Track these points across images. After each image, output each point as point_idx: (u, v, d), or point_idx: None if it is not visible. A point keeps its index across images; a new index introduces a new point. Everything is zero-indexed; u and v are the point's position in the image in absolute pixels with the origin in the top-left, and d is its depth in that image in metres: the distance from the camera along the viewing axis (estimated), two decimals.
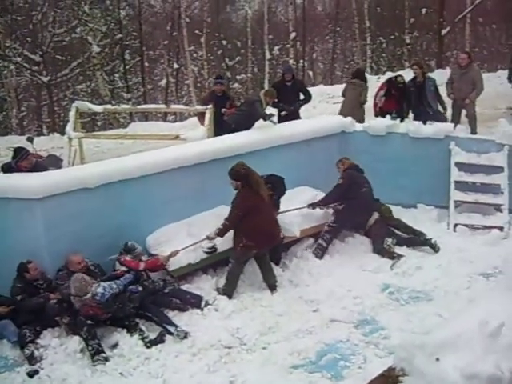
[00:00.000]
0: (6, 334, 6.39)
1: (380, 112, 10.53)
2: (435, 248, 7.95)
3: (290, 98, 10.33)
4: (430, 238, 8.06)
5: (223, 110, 10.24)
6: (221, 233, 7.11)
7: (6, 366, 6.10)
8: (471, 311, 4.06)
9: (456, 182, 8.72)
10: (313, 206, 8.05)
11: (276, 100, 10.09)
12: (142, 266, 6.80)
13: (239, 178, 7.06)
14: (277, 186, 7.59)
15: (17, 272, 6.50)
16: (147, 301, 6.64)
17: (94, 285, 6.33)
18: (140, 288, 6.58)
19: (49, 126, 24.95)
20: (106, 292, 6.26)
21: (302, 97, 10.48)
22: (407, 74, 11.21)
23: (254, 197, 7.01)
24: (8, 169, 8.15)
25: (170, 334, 6.33)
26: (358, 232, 8.30)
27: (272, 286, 7.22)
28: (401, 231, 8.31)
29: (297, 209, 7.94)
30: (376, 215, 8.16)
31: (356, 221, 8.18)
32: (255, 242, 7.00)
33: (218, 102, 10.41)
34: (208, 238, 7.17)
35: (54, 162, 9.83)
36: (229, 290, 7.06)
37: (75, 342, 6.15)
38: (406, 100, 10.39)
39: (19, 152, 8.19)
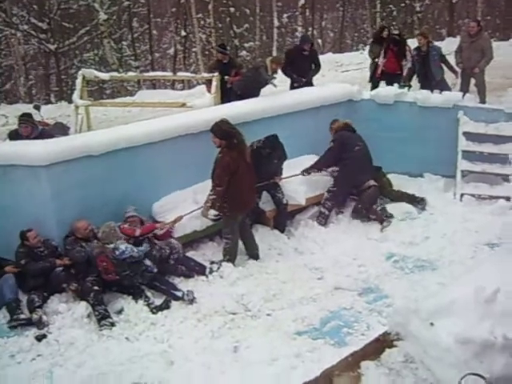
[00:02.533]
0: (5, 288, 6.38)
1: (382, 75, 10.57)
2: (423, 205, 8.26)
3: (305, 67, 10.27)
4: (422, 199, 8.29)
5: (226, 77, 10.21)
6: (214, 203, 6.90)
7: (15, 330, 6.17)
8: (468, 277, 4.08)
9: (463, 151, 8.67)
10: (306, 171, 7.98)
11: (289, 68, 10.07)
12: (137, 232, 6.79)
13: (225, 136, 6.80)
14: (275, 145, 7.49)
15: (20, 239, 6.57)
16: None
17: (119, 240, 6.43)
18: (155, 270, 6.59)
19: (57, 95, 24.90)
20: (127, 252, 6.36)
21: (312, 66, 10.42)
22: (415, 43, 11.07)
23: (238, 159, 6.80)
24: (15, 135, 8.20)
25: (178, 298, 6.39)
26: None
27: (256, 256, 7.21)
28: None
29: (291, 176, 7.86)
30: (372, 182, 8.13)
31: (354, 181, 8.10)
32: (230, 206, 6.87)
33: (224, 70, 10.37)
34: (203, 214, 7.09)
35: (60, 130, 9.83)
36: (232, 259, 7.05)
37: (82, 307, 6.23)
38: (406, 60, 10.39)
39: (23, 119, 8.28)
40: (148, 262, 6.58)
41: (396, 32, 10.70)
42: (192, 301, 6.35)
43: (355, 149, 7.97)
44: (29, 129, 8.24)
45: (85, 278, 6.41)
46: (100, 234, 6.52)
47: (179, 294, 6.44)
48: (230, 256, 7.05)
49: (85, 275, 6.45)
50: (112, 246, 6.39)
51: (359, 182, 8.10)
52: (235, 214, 6.98)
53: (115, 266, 6.38)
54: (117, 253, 6.35)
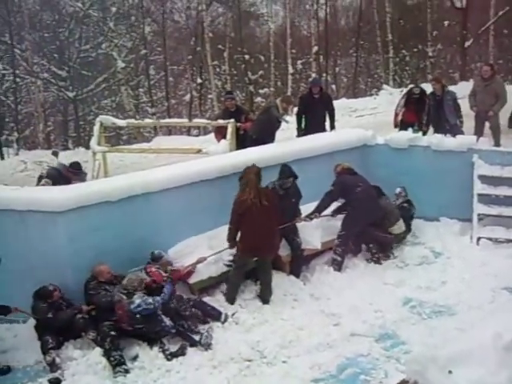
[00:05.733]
0: None
1: (400, 123, 10.55)
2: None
3: (318, 112, 10.39)
4: None
5: (238, 124, 10.31)
6: (228, 237, 7.15)
7: (29, 377, 6.15)
8: (486, 324, 4.02)
9: (479, 194, 8.64)
10: (309, 216, 7.91)
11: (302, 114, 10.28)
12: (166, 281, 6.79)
13: (240, 178, 7.14)
14: (284, 172, 7.58)
15: (39, 295, 6.47)
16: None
17: (137, 294, 6.38)
18: (173, 331, 6.46)
19: (74, 141, 25.30)
20: (140, 306, 6.28)
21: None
22: (430, 87, 11.14)
23: (249, 201, 6.92)
24: (56, 174, 8.46)
25: (195, 343, 6.34)
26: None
27: (264, 300, 7.19)
28: None
29: (295, 222, 7.75)
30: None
31: (361, 223, 8.03)
32: (240, 247, 7.05)
33: (233, 118, 10.44)
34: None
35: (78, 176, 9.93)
36: (229, 297, 7.12)
37: (97, 354, 6.19)
38: (425, 112, 10.35)
39: (75, 166, 8.81)
40: (166, 322, 6.43)
41: (416, 92, 10.55)
42: (209, 345, 6.30)
43: (357, 190, 7.94)
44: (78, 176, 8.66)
45: (104, 321, 6.37)
46: (125, 281, 6.49)
47: (196, 337, 6.39)
48: (227, 291, 7.16)
49: (105, 319, 6.40)
50: (126, 299, 6.34)
51: (366, 223, 8.06)
52: (244, 256, 7.07)
53: (129, 317, 6.33)
54: (132, 306, 6.29)
